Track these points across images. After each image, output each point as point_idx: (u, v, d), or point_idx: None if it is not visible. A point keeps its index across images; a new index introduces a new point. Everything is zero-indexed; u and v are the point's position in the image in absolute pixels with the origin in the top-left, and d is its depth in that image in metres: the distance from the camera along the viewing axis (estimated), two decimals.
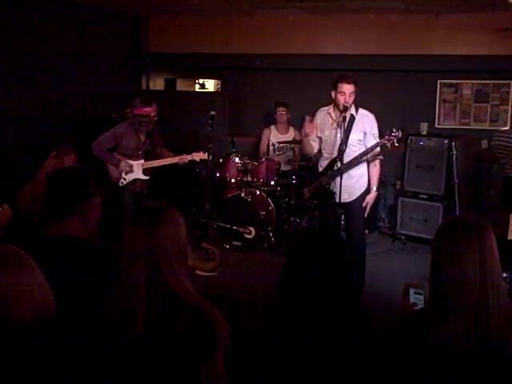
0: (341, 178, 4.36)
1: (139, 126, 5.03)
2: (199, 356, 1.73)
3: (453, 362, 1.75)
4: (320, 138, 4.72)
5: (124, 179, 5.14)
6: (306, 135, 4.74)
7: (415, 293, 2.21)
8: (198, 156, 5.22)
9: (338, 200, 4.45)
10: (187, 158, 5.20)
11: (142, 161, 5.16)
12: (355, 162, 4.50)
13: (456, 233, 1.82)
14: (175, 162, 5.22)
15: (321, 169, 4.76)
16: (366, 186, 4.68)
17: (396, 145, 4.38)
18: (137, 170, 5.16)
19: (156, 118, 5.11)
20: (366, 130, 4.50)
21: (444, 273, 1.80)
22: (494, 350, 1.73)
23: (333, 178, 4.53)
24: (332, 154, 4.58)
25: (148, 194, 5.31)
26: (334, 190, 4.49)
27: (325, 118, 4.65)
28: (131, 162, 5.14)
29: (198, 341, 1.73)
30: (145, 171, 5.18)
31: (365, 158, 4.51)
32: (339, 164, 4.44)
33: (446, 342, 1.75)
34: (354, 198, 4.61)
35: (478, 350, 1.73)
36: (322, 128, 4.66)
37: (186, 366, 1.73)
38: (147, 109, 5.01)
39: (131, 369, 1.72)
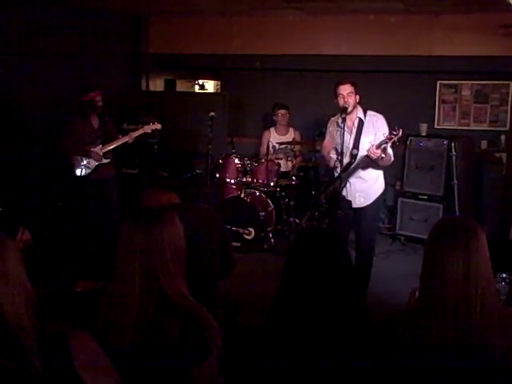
0: (345, 182, 4.37)
1: (86, 110, 5.36)
2: (190, 361, 1.71)
3: (429, 363, 1.74)
4: (336, 148, 4.68)
5: (88, 168, 5.41)
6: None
7: None
8: (150, 127, 5.58)
9: (354, 205, 4.47)
10: (139, 132, 5.56)
11: (99, 146, 5.45)
12: (362, 163, 4.45)
13: (440, 235, 1.83)
14: (129, 139, 5.52)
15: (336, 174, 4.68)
16: (382, 189, 4.65)
17: (397, 143, 4.33)
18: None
19: (101, 103, 5.41)
20: (376, 131, 4.43)
21: (427, 274, 1.82)
22: (476, 354, 1.70)
23: (344, 182, 4.46)
24: (339, 157, 4.54)
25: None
26: (345, 194, 4.46)
27: (334, 126, 4.65)
28: (92, 149, 5.40)
29: (189, 345, 1.71)
30: (105, 155, 5.48)
31: (371, 159, 4.38)
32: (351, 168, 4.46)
33: (423, 342, 1.75)
34: (371, 201, 4.57)
35: (456, 353, 1.71)
36: (334, 136, 4.65)
37: (176, 370, 1.71)
38: (91, 94, 5.36)
39: (121, 371, 1.66)
